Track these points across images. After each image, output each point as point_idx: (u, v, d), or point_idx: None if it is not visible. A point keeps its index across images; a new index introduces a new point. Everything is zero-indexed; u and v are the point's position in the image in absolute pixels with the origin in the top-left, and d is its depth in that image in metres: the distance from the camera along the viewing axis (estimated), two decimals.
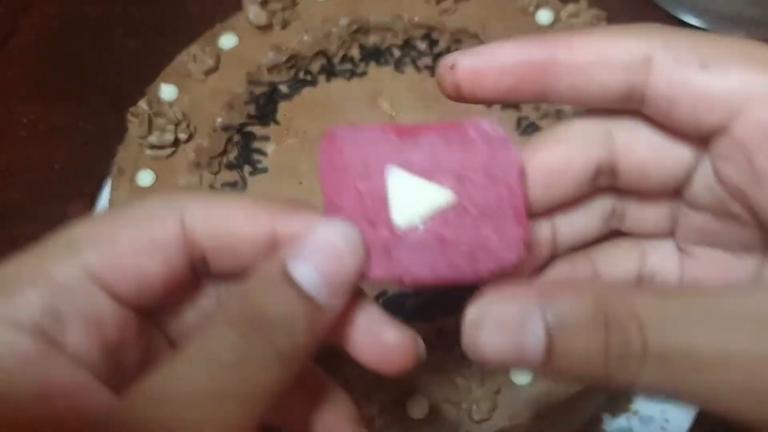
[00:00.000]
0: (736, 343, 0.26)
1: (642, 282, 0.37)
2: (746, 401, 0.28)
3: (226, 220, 0.34)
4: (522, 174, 0.33)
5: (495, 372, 0.53)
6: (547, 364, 0.27)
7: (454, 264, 0.33)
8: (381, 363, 0.35)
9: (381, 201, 0.33)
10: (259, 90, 0.64)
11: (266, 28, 0.67)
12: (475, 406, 0.51)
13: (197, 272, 0.34)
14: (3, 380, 0.28)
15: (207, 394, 0.28)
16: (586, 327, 0.26)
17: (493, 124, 0.34)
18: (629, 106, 0.33)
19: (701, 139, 0.32)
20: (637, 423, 0.70)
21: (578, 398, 0.53)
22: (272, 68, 0.65)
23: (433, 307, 0.55)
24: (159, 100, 0.63)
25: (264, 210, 0.34)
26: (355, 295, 0.33)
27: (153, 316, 0.35)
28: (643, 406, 0.71)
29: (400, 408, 0.52)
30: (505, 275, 0.33)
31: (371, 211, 0.33)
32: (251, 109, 0.64)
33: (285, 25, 0.68)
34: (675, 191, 0.34)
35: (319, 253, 0.31)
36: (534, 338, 0.27)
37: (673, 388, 0.28)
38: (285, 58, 0.65)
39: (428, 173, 0.33)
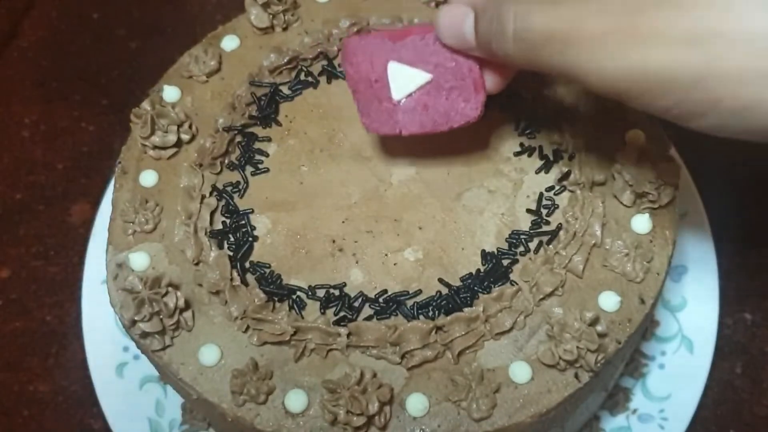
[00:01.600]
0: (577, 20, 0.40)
1: None
2: (592, 71, 0.40)
3: None
4: (477, 57, 0.51)
5: (495, 370, 0.53)
6: (475, 42, 0.48)
7: (435, 120, 0.53)
8: None
9: (384, 84, 0.53)
10: (260, 91, 0.65)
11: (268, 30, 0.68)
12: (474, 405, 0.51)
13: None
14: None
15: None
16: (485, 16, 0.46)
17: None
18: None
19: None
20: (635, 422, 0.70)
21: (577, 397, 0.54)
22: (274, 70, 0.66)
23: (433, 307, 0.55)
24: (161, 102, 0.63)
25: None
26: None
27: None
28: (641, 405, 0.71)
29: (399, 405, 0.52)
30: (470, 122, 0.53)
31: (379, 91, 0.54)
32: (253, 110, 0.64)
33: (286, 27, 0.68)
34: None
35: None
36: (468, 24, 0.48)
37: (539, 63, 0.43)
38: (286, 60, 0.66)
39: (413, 63, 0.52)
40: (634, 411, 0.71)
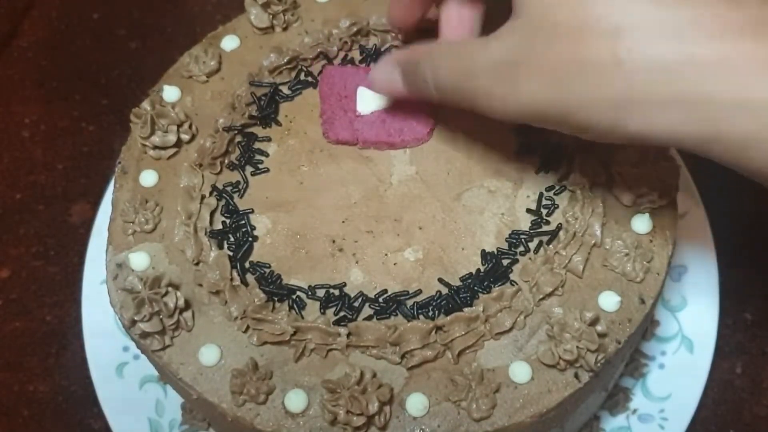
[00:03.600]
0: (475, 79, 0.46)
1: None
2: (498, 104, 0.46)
3: None
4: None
5: (495, 370, 0.53)
6: (406, 92, 0.54)
7: (390, 134, 0.62)
8: None
9: (352, 100, 0.63)
10: (260, 91, 0.65)
11: (268, 30, 0.68)
12: (474, 405, 0.51)
13: None
14: None
15: None
16: (406, 68, 0.53)
17: None
18: None
19: None
20: (635, 421, 0.70)
21: (577, 397, 0.54)
22: (274, 70, 0.66)
23: (433, 307, 0.55)
24: (161, 102, 0.63)
25: None
26: None
27: None
28: (641, 405, 0.71)
29: (399, 405, 0.52)
30: (418, 141, 0.62)
31: (345, 105, 0.63)
32: (253, 110, 0.64)
33: (286, 27, 0.68)
34: None
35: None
36: (396, 80, 0.55)
37: (457, 99, 0.49)
38: (286, 60, 0.66)
39: None
40: (634, 411, 0.71)
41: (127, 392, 0.73)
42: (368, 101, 0.62)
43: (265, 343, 0.54)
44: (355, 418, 0.50)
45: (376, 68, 0.57)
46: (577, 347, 0.51)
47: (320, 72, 0.66)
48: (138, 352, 0.73)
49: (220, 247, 0.59)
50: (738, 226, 0.83)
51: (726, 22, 0.38)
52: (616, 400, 0.70)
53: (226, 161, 0.62)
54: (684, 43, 0.38)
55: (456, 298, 0.56)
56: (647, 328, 0.73)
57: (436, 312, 0.55)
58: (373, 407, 0.50)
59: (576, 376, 0.53)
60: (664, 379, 0.72)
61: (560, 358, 0.52)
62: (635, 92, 0.39)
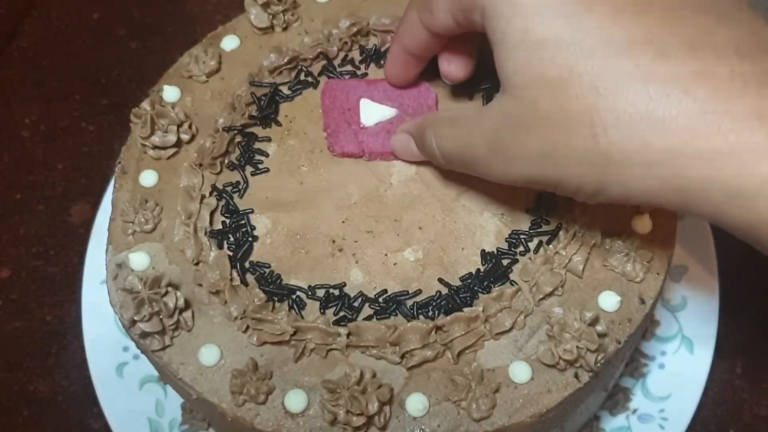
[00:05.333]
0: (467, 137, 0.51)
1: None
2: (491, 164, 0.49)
3: None
4: (435, 100, 0.63)
5: (494, 370, 0.53)
6: (424, 157, 0.58)
7: None
8: None
9: (355, 113, 0.63)
10: (260, 91, 0.65)
11: (268, 30, 0.68)
12: (474, 405, 0.51)
13: None
14: None
15: None
16: (416, 138, 0.58)
17: (422, 81, 0.63)
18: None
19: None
20: (635, 421, 0.70)
21: (577, 397, 0.54)
22: (274, 70, 0.66)
23: (433, 307, 0.55)
24: (161, 101, 0.63)
25: None
26: None
27: None
28: (641, 405, 0.71)
29: (399, 405, 0.52)
30: None
31: (349, 117, 0.63)
32: (253, 110, 0.64)
33: (286, 27, 0.68)
34: None
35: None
36: (412, 147, 0.59)
37: (460, 166, 0.53)
38: (286, 60, 0.66)
39: (382, 101, 0.63)
40: (634, 411, 0.71)
41: (127, 392, 0.73)
42: (372, 113, 0.63)
43: (264, 343, 0.54)
44: (355, 418, 0.50)
45: (394, 138, 0.61)
46: (577, 347, 0.51)
47: (320, 72, 0.66)
48: (138, 352, 0.73)
49: (220, 247, 0.59)
50: None
51: (676, 74, 0.41)
52: (616, 400, 0.71)
53: (226, 161, 0.62)
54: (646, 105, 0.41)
55: (456, 298, 0.56)
56: (647, 328, 0.73)
57: (436, 312, 0.55)
58: (373, 407, 0.50)
59: (576, 376, 0.53)
60: (664, 379, 0.72)
61: (560, 358, 0.52)
62: (611, 170, 0.43)
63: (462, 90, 0.65)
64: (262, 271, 0.58)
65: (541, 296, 0.55)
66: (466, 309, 0.55)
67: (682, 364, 0.72)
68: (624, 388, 0.72)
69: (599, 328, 0.52)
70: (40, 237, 0.88)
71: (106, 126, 0.95)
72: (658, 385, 0.72)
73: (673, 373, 0.72)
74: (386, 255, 0.58)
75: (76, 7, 1.05)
